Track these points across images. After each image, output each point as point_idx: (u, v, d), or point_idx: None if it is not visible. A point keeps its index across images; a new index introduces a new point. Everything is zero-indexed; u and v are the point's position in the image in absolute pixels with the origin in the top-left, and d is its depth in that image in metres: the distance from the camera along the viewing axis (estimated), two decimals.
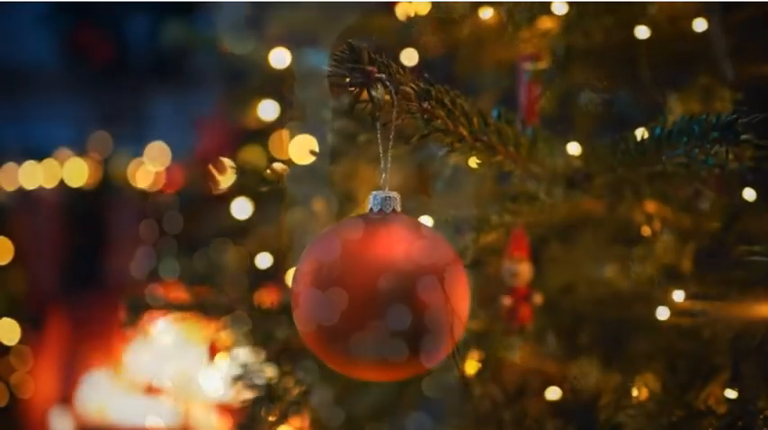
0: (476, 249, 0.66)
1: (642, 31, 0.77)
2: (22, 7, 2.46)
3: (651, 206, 0.77)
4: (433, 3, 0.92)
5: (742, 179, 0.69)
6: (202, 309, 0.84)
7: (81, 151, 2.25)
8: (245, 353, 0.83)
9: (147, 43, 2.44)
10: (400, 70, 0.55)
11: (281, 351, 0.78)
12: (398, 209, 0.57)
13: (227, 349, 0.86)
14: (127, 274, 2.12)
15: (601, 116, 1.04)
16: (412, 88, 0.56)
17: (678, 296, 0.70)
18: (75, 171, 2.19)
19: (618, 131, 0.68)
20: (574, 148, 0.71)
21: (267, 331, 0.79)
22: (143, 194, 2.17)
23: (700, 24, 0.76)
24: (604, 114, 1.04)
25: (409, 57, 0.99)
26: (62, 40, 2.50)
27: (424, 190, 0.88)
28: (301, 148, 1.12)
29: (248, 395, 0.80)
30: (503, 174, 0.69)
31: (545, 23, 0.78)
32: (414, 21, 0.95)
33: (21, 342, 2.08)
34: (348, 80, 0.53)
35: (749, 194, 0.73)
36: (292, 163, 1.04)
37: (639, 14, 0.77)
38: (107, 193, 2.19)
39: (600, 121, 1.04)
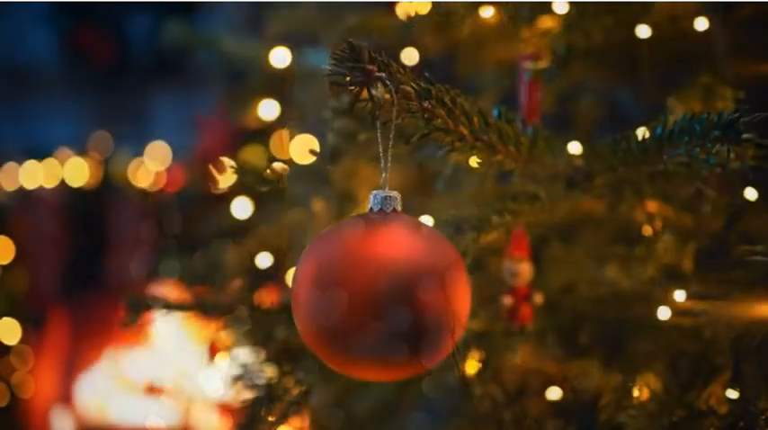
0: (476, 249, 0.66)
1: (643, 31, 0.77)
2: (22, 7, 2.46)
3: (652, 205, 0.77)
4: (433, 2, 0.92)
5: (743, 178, 0.69)
6: (202, 308, 0.84)
7: (81, 151, 2.25)
8: (245, 353, 0.83)
9: (148, 43, 2.44)
10: (400, 69, 0.55)
11: (281, 351, 0.78)
12: (399, 208, 0.57)
13: (227, 349, 0.86)
14: (127, 274, 2.12)
15: (601, 115, 1.04)
16: (412, 87, 0.56)
17: (679, 296, 0.70)
18: (76, 171, 2.19)
19: (619, 131, 0.68)
20: (575, 148, 0.71)
21: (267, 331, 0.79)
22: (143, 194, 2.17)
23: (701, 24, 0.76)
24: (605, 114, 1.04)
25: (409, 56, 0.99)
26: (63, 39, 2.50)
27: (424, 189, 0.88)
28: (302, 148, 1.12)
29: (248, 395, 0.80)
30: (503, 173, 0.69)
31: (545, 23, 0.78)
32: (414, 20, 0.95)
33: (21, 341, 2.08)
34: (348, 79, 0.52)
35: (751, 194, 0.73)
36: (293, 162, 1.04)
37: (640, 14, 0.77)
38: (108, 193, 2.19)
39: (601, 121, 1.04)
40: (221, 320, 0.83)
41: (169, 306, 0.83)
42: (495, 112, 0.65)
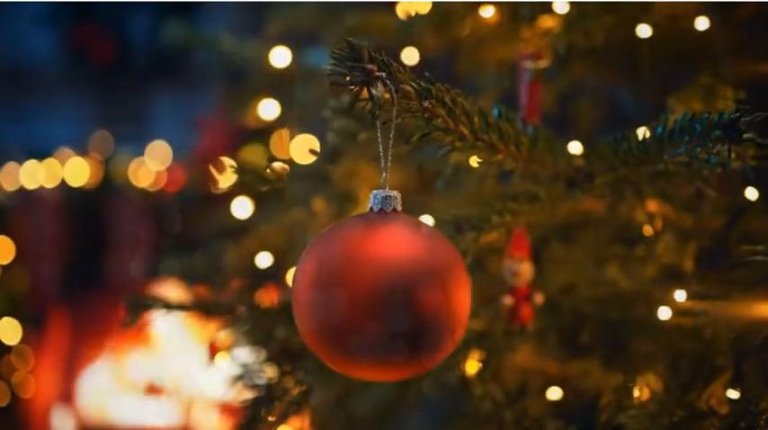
0: (476, 249, 0.66)
1: (643, 30, 0.76)
2: (23, 7, 2.46)
3: (653, 205, 0.77)
4: (433, 2, 0.92)
5: (744, 178, 0.69)
6: (202, 308, 0.84)
7: (82, 151, 2.25)
8: (245, 353, 0.83)
9: (148, 42, 2.44)
10: (400, 68, 0.55)
11: (281, 351, 0.78)
12: (399, 208, 0.57)
13: (227, 349, 0.86)
14: (128, 274, 2.12)
15: (602, 115, 1.04)
16: (412, 87, 0.56)
17: (680, 296, 0.70)
18: (77, 170, 2.19)
19: (619, 130, 0.67)
20: (575, 148, 0.71)
21: (267, 331, 0.79)
22: (144, 194, 2.17)
23: (701, 23, 0.76)
24: (606, 113, 1.04)
25: (410, 56, 0.99)
26: (63, 39, 2.50)
27: (424, 189, 0.88)
28: (302, 148, 1.12)
29: (248, 395, 0.80)
30: (503, 173, 0.69)
31: (546, 22, 0.78)
32: (414, 20, 0.95)
33: (22, 341, 2.08)
34: (348, 78, 0.52)
35: (751, 194, 0.73)
36: (293, 162, 1.04)
37: (641, 13, 0.76)
38: (108, 193, 2.19)
39: (601, 120, 1.04)
40: (221, 320, 0.83)
41: (169, 306, 0.83)
42: (495, 112, 0.64)
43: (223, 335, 0.84)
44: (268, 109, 1.17)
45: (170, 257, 1.24)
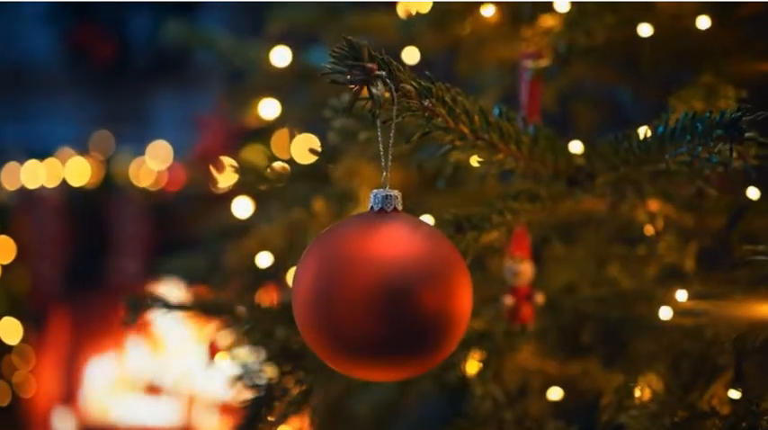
0: (477, 248, 0.66)
1: (644, 29, 0.76)
2: (24, 6, 2.46)
3: (654, 205, 0.77)
4: (434, 1, 0.92)
5: (746, 177, 0.68)
6: (203, 308, 0.84)
7: (83, 150, 2.25)
8: (245, 353, 0.83)
9: (149, 42, 2.44)
10: (400, 67, 0.54)
11: (281, 351, 0.78)
12: (399, 207, 0.57)
13: (228, 349, 0.86)
14: (129, 273, 2.12)
15: (603, 114, 1.03)
16: (412, 86, 0.55)
17: (681, 295, 0.70)
18: (77, 170, 2.19)
19: (620, 129, 0.67)
20: (576, 147, 0.71)
21: (267, 331, 0.79)
22: (145, 193, 2.17)
23: (702, 22, 0.76)
24: (606, 112, 1.04)
25: (410, 55, 0.99)
26: (64, 39, 2.50)
27: (425, 188, 0.88)
28: (302, 147, 1.12)
29: (248, 395, 0.79)
30: (504, 172, 0.69)
31: (547, 21, 0.78)
32: (414, 19, 0.95)
33: (23, 341, 2.08)
34: (348, 77, 0.52)
35: (753, 193, 0.73)
36: (293, 162, 1.04)
37: (642, 12, 0.76)
38: (109, 193, 2.19)
39: (602, 120, 1.04)
40: (221, 320, 0.83)
41: (169, 306, 0.83)
42: (495, 111, 0.64)
43: (223, 336, 0.84)
44: (268, 108, 1.17)
45: (170, 257, 1.24)
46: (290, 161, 1.01)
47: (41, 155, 2.19)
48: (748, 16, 0.79)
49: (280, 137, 1.30)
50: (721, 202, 0.76)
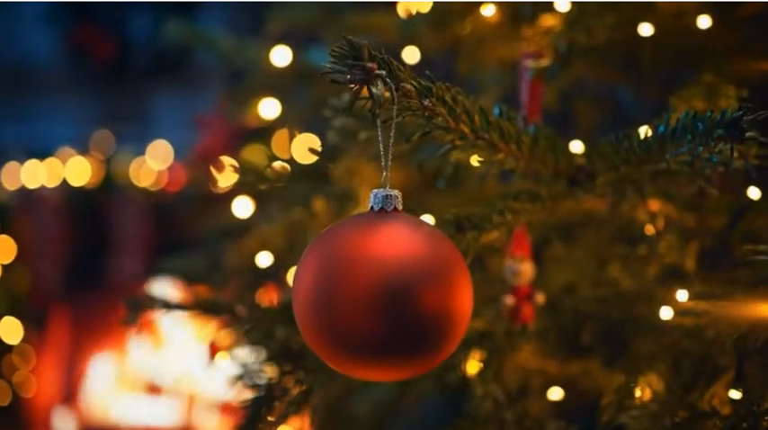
0: (477, 248, 0.65)
1: (645, 29, 0.76)
2: (24, 7, 2.46)
3: (654, 204, 0.77)
4: (434, 1, 0.92)
5: (747, 177, 0.68)
6: (203, 308, 0.84)
7: (83, 150, 2.25)
8: (245, 353, 0.83)
9: (149, 42, 2.44)
10: (400, 67, 0.54)
11: (282, 351, 0.78)
12: (400, 207, 0.57)
13: (228, 349, 0.86)
14: (129, 273, 2.12)
15: (603, 114, 1.03)
16: (412, 85, 0.55)
17: (682, 295, 0.70)
18: (78, 170, 2.19)
19: (621, 129, 0.67)
20: (576, 146, 0.71)
21: (267, 330, 0.79)
22: (145, 193, 2.17)
23: (703, 21, 0.76)
24: (607, 112, 1.04)
25: (411, 54, 0.99)
26: (64, 39, 2.50)
27: (425, 188, 0.88)
28: (302, 147, 1.11)
29: (248, 395, 0.79)
30: (504, 172, 0.69)
31: (547, 20, 0.78)
32: (415, 18, 0.94)
33: (23, 341, 2.08)
34: (348, 77, 0.52)
35: (754, 193, 0.73)
36: (294, 161, 1.04)
37: (642, 11, 0.76)
38: (109, 192, 2.19)
39: (603, 119, 1.03)
40: (221, 320, 0.82)
41: (169, 305, 0.83)
42: (496, 111, 0.64)
43: (223, 335, 0.84)
44: (268, 108, 1.17)
45: (171, 257, 1.24)
46: (291, 161, 1.01)
47: (42, 154, 2.20)
48: (749, 16, 0.79)
49: (280, 136, 1.30)
50: (722, 202, 0.76)
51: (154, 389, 1.96)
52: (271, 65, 1.12)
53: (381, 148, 0.56)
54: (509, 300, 0.79)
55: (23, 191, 2.17)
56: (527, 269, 0.79)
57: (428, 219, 0.74)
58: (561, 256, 0.88)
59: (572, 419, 0.76)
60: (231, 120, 1.64)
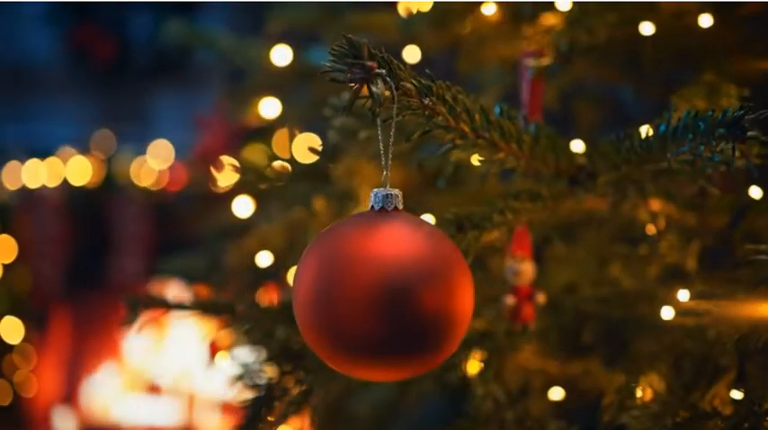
0: (478, 248, 0.65)
1: (646, 28, 0.76)
2: (24, 7, 2.46)
3: (656, 204, 0.76)
4: (434, 0, 0.92)
5: (748, 176, 0.68)
6: (203, 307, 0.84)
7: (84, 149, 2.25)
8: (245, 353, 0.83)
9: (149, 42, 2.44)
10: (400, 65, 0.54)
11: (282, 350, 0.78)
12: (400, 206, 0.56)
13: (228, 348, 0.86)
14: (130, 273, 2.12)
15: (604, 113, 1.03)
16: (413, 84, 0.55)
17: (683, 295, 0.70)
18: (79, 169, 2.19)
19: (622, 128, 0.67)
20: (577, 146, 0.71)
21: (267, 330, 0.79)
22: (146, 193, 2.17)
23: (705, 20, 0.76)
24: (608, 111, 1.04)
25: (411, 54, 0.98)
26: (64, 39, 2.50)
27: (425, 187, 0.88)
28: (303, 146, 1.11)
29: (248, 395, 0.79)
30: (505, 171, 0.69)
31: (548, 19, 0.77)
32: (415, 18, 0.94)
33: (24, 340, 2.08)
34: (348, 75, 0.52)
35: (755, 192, 0.72)
36: (294, 161, 1.04)
37: (643, 11, 0.76)
38: (110, 192, 2.19)
39: (603, 118, 1.03)
40: (221, 320, 0.82)
41: (170, 305, 0.83)
42: (496, 110, 0.64)
43: (223, 335, 0.84)
44: (269, 108, 1.17)
45: (171, 257, 1.24)
46: (291, 160, 1.01)
47: (42, 154, 2.20)
48: (750, 15, 0.78)
49: (280, 136, 1.30)
50: (723, 202, 0.76)
51: (154, 389, 1.96)
52: (271, 64, 1.12)
53: (381, 147, 0.56)
54: (510, 299, 0.79)
55: (24, 190, 2.17)
56: (528, 269, 0.79)
57: (429, 218, 0.74)
58: (562, 256, 0.88)
59: (573, 419, 0.76)
60: (231, 119, 1.64)
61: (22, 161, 2.19)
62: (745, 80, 0.72)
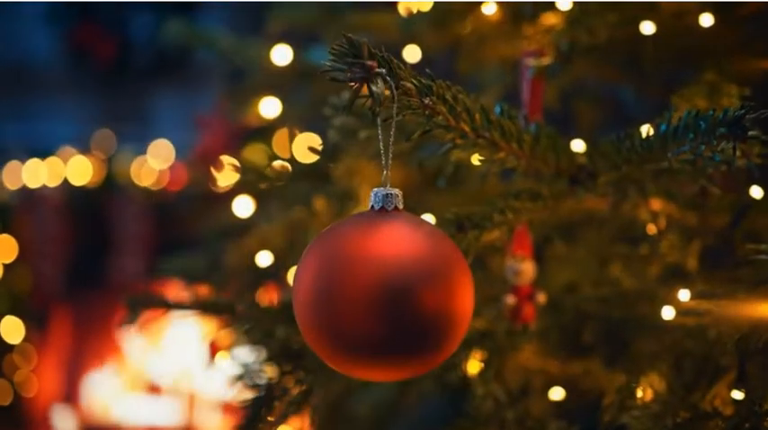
0: (478, 247, 0.65)
1: (647, 27, 0.76)
2: (24, 6, 2.47)
3: (656, 204, 0.76)
4: (435, 0, 0.92)
5: (749, 176, 0.68)
6: (203, 307, 0.84)
7: (84, 149, 2.25)
8: (245, 353, 0.83)
9: (149, 42, 2.44)
10: (401, 65, 0.54)
11: (282, 350, 0.78)
12: (400, 206, 0.56)
13: (228, 348, 0.86)
14: (130, 273, 2.12)
15: (605, 113, 1.03)
16: (413, 83, 0.55)
17: (684, 295, 0.69)
18: (79, 169, 2.19)
19: (623, 128, 0.67)
20: (578, 145, 0.71)
21: (268, 330, 0.79)
22: (146, 192, 2.17)
23: (706, 20, 0.75)
24: (609, 111, 1.03)
25: (411, 53, 0.98)
26: (64, 39, 2.50)
27: (426, 187, 0.88)
28: (303, 146, 1.11)
29: (248, 395, 0.79)
30: (505, 171, 0.69)
31: (549, 19, 0.77)
32: (415, 17, 0.94)
33: (25, 340, 2.08)
34: (348, 75, 0.52)
35: (756, 192, 0.72)
36: (294, 160, 1.04)
37: (644, 10, 0.76)
38: (110, 192, 2.19)
39: (604, 118, 1.03)
40: (222, 319, 0.82)
41: (170, 305, 0.83)
42: (497, 109, 0.64)
43: (223, 335, 0.84)
44: (269, 107, 1.17)
45: (171, 256, 1.24)
46: (291, 160, 1.01)
47: (43, 154, 2.20)
48: (751, 14, 0.78)
49: (280, 136, 1.30)
50: (724, 201, 0.76)
51: (154, 389, 1.96)
52: (271, 64, 1.12)
53: (382, 147, 0.56)
54: (510, 299, 0.79)
55: (25, 190, 2.17)
56: (528, 268, 0.79)
57: (429, 218, 0.74)
58: (562, 256, 0.88)
59: (573, 419, 0.76)
60: (232, 119, 1.64)
61: (23, 161, 2.19)
62: (745, 79, 0.72)
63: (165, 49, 2.35)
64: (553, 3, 0.77)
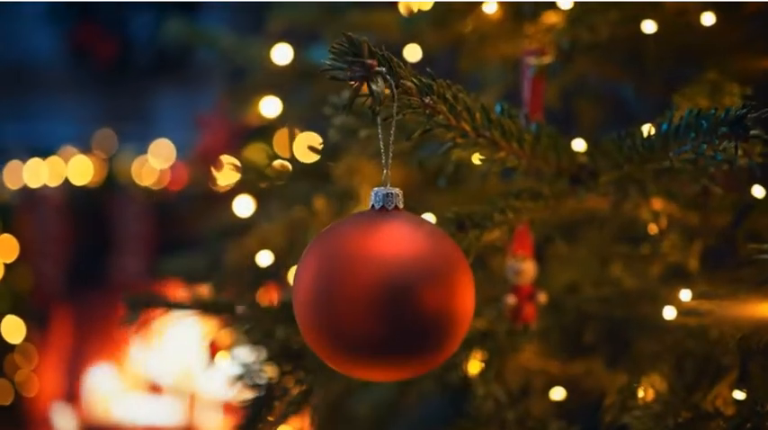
0: (479, 247, 0.65)
1: (649, 26, 0.76)
2: (25, 6, 2.47)
3: (657, 203, 0.76)
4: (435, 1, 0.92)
5: (751, 175, 0.68)
6: (203, 307, 0.84)
7: (85, 149, 2.26)
8: (245, 353, 0.83)
9: (150, 41, 2.44)
10: (401, 64, 0.54)
11: (282, 350, 0.77)
12: (401, 205, 0.56)
13: (228, 348, 0.85)
14: (131, 272, 2.13)
15: (606, 112, 1.03)
16: (413, 82, 0.55)
17: (685, 295, 0.69)
18: (80, 169, 2.20)
19: (624, 127, 0.67)
20: (579, 145, 0.70)
21: (268, 330, 0.79)
22: (147, 192, 2.17)
23: (707, 19, 0.75)
24: (610, 110, 1.03)
25: (412, 52, 0.98)
26: (65, 38, 2.50)
27: (426, 186, 0.88)
28: (304, 145, 1.11)
29: (248, 395, 0.79)
30: (506, 170, 0.68)
31: (550, 18, 0.77)
32: (416, 16, 0.94)
33: (26, 340, 2.08)
34: (348, 73, 0.52)
35: (758, 191, 0.72)
36: (295, 160, 1.03)
37: (646, 9, 0.76)
38: (111, 191, 2.19)
39: (605, 117, 1.03)
40: (222, 319, 0.82)
41: (170, 304, 0.83)
42: (497, 108, 0.64)
43: (223, 335, 0.84)
44: (269, 107, 1.17)
45: (172, 256, 1.24)
46: (292, 159, 1.01)
47: (44, 153, 2.20)
48: (753, 13, 0.78)
49: (281, 135, 1.30)
50: (726, 201, 0.76)
51: (155, 389, 1.96)
52: (272, 63, 1.12)
53: (382, 146, 0.56)
54: (511, 299, 0.79)
55: (26, 190, 2.17)
56: (529, 268, 0.78)
57: (429, 217, 0.74)
58: (563, 255, 0.88)
59: (574, 419, 0.76)
60: (232, 118, 1.64)
61: (24, 160, 2.19)
62: (747, 78, 0.72)
63: (165, 49, 2.35)
64: (554, 1, 0.77)
